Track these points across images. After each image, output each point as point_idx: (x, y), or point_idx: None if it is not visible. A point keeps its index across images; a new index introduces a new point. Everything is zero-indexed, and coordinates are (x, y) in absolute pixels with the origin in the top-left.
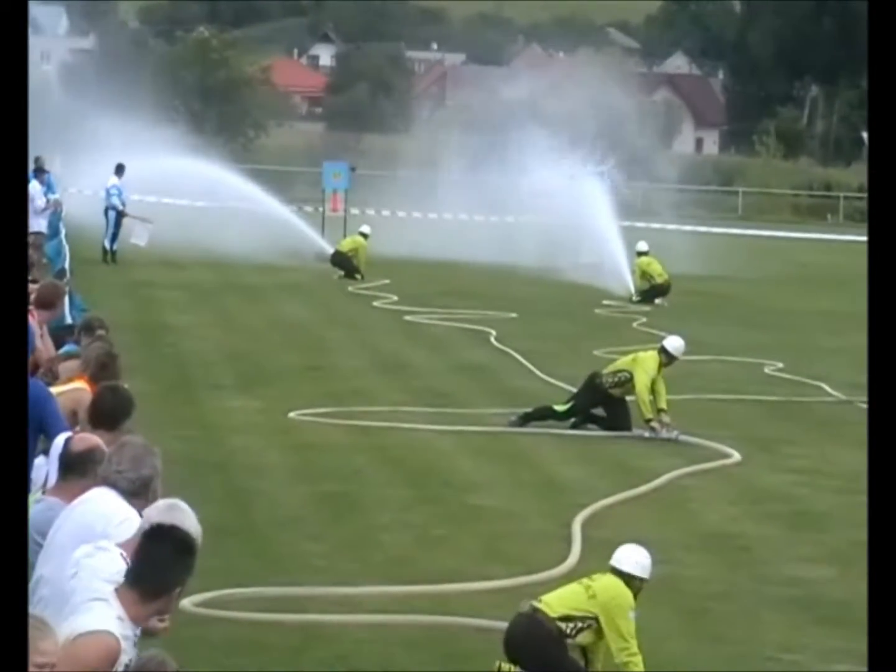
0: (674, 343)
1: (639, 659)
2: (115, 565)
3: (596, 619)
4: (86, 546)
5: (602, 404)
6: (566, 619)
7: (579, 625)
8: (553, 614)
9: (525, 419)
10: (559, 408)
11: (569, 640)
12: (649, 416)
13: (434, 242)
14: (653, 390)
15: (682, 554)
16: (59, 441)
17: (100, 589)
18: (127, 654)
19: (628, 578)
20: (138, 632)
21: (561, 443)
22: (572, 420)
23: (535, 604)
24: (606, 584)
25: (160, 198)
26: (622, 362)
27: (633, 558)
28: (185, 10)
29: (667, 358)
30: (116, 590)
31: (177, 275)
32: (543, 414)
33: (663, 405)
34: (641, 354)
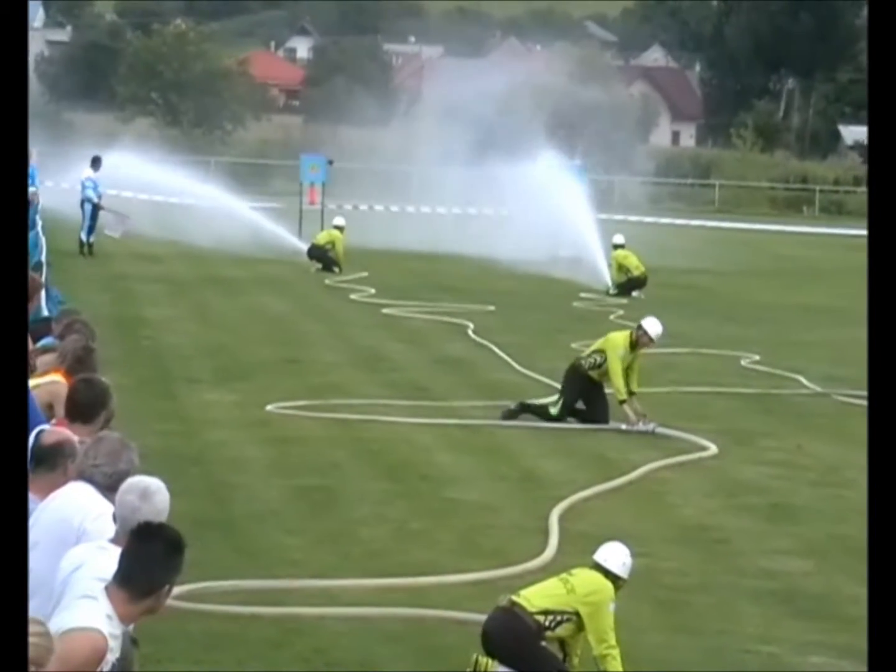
0: (651, 323)
1: (617, 652)
2: (115, 565)
3: (576, 613)
4: (88, 544)
5: (585, 393)
6: (545, 612)
7: (558, 618)
8: (532, 609)
9: (519, 411)
10: (553, 410)
11: (548, 633)
12: (623, 397)
13: (412, 235)
14: (627, 375)
15: (659, 546)
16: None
17: (92, 586)
18: (114, 653)
19: (613, 578)
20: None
21: (538, 436)
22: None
23: (514, 598)
24: (586, 578)
25: (136, 193)
26: (597, 344)
27: (619, 559)
28: (163, 2)
29: (640, 334)
30: (106, 588)
31: (154, 268)
32: (539, 412)
33: (634, 388)
34: (613, 334)
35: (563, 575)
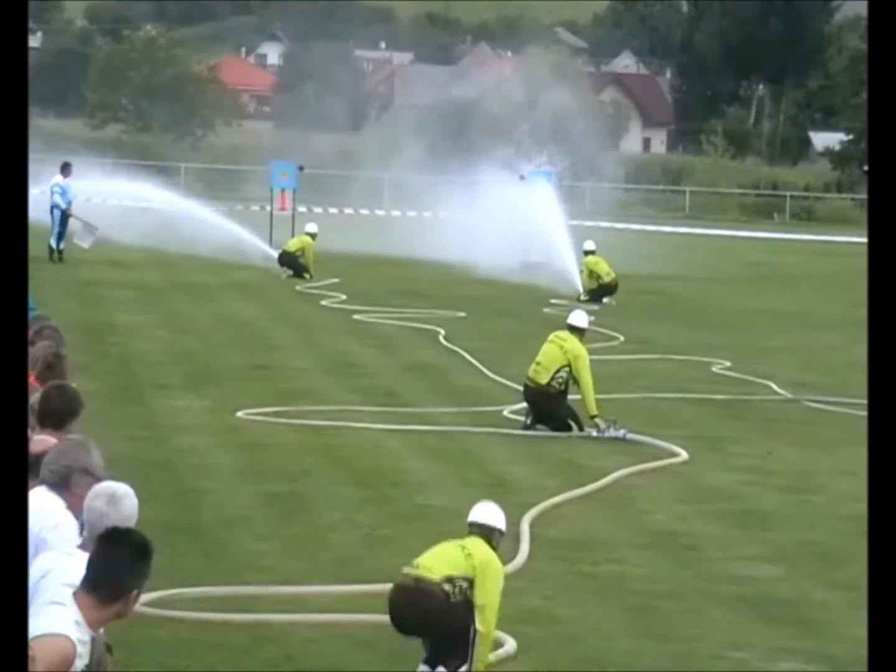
0: (579, 318)
1: (494, 621)
2: (83, 570)
3: (472, 581)
4: (55, 550)
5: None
6: (449, 580)
7: (461, 585)
8: (435, 577)
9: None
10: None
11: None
12: (595, 412)
13: (382, 241)
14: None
15: (629, 552)
16: None
17: (60, 593)
18: (83, 659)
19: (489, 532)
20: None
21: (509, 442)
22: (524, 422)
23: (415, 572)
24: (479, 546)
25: (106, 199)
26: (554, 359)
27: (492, 512)
28: (133, 8)
29: (583, 332)
30: (74, 594)
31: (124, 274)
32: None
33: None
34: (570, 345)
35: (456, 541)
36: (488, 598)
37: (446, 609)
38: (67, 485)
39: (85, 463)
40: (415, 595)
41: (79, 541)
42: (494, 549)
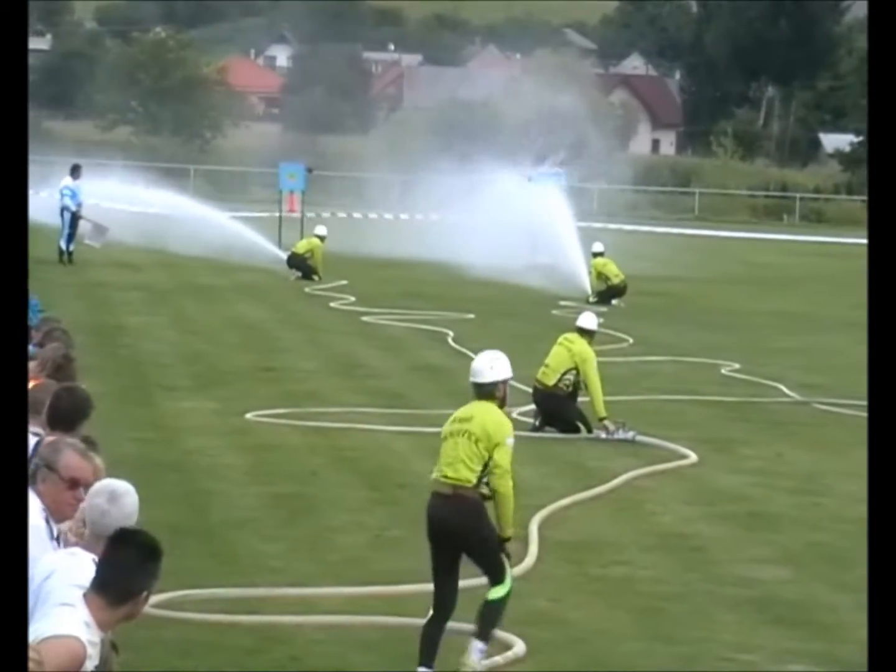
0: (587, 319)
1: (509, 479)
2: (87, 570)
3: (491, 456)
4: (60, 551)
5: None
6: (479, 481)
7: (488, 473)
8: (470, 484)
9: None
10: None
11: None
12: (604, 414)
13: (391, 243)
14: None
15: (637, 554)
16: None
17: (69, 594)
18: (93, 660)
19: (489, 388)
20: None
21: (517, 444)
22: (532, 423)
23: (451, 482)
24: (483, 420)
25: (115, 202)
26: (562, 361)
27: (489, 367)
28: (142, 10)
29: (591, 335)
30: (84, 595)
31: (133, 276)
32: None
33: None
34: (578, 348)
35: (464, 430)
36: (499, 461)
37: (485, 518)
38: (35, 481)
39: (50, 460)
40: (454, 501)
41: (53, 545)
42: (501, 400)
